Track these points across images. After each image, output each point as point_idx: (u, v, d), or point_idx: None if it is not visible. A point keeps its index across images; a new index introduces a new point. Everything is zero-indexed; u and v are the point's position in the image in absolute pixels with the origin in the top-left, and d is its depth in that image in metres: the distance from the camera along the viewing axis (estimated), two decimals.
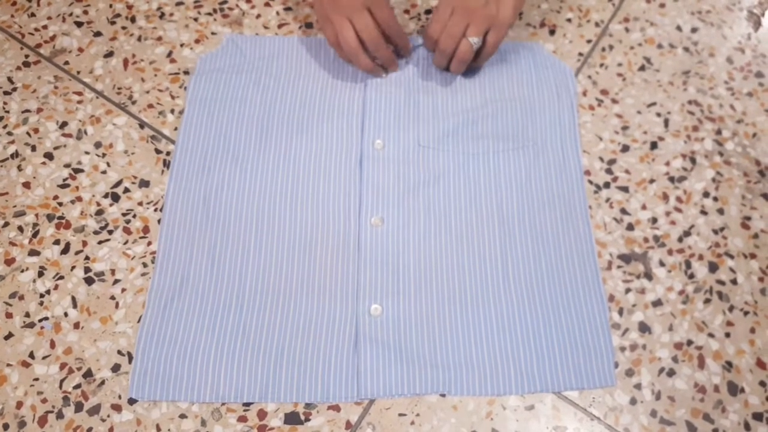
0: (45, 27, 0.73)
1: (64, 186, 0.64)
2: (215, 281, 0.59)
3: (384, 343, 0.56)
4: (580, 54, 0.72)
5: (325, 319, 0.57)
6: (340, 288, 0.59)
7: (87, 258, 0.60)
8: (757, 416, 0.55)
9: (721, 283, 0.60)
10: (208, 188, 0.63)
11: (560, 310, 0.58)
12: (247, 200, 0.62)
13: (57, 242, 0.61)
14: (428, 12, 0.75)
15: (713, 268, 0.61)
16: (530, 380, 0.55)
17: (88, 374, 0.55)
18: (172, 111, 0.68)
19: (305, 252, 0.60)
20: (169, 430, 0.53)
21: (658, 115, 0.69)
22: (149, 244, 0.61)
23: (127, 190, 0.64)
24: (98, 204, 0.63)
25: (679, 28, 0.74)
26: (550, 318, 0.58)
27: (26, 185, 0.64)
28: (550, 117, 0.67)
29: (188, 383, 0.55)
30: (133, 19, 0.74)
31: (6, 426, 0.53)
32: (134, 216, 0.62)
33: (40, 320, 0.57)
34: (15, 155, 0.65)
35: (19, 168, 0.64)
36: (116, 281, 0.59)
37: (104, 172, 0.64)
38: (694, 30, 0.74)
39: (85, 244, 0.61)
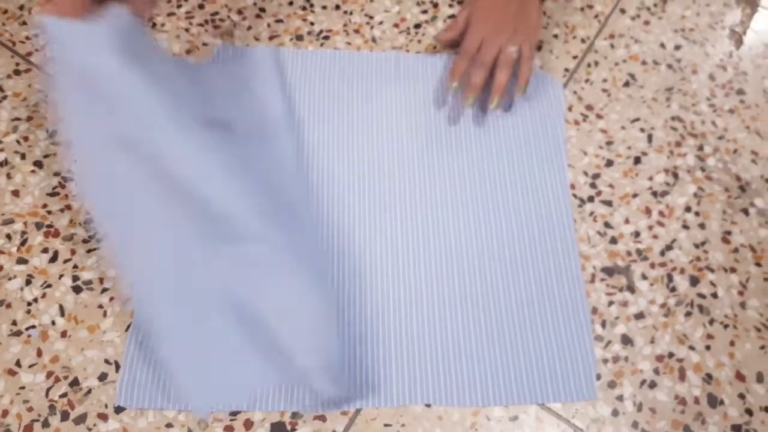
0: (36, 35, 0.73)
1: (53, 194, 0.64)
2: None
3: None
4: (566, 70, 0.74)
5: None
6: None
7: (75, 266, 0.60)
8: (736, 428, 0.56)
9: (702, 296, 0.62)
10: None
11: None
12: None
13: (45, 250, 0.61)
14: (417, 26, 0.76)
15: (694, 281, 0.62)
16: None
17: (75, 383, 0.56)
18: None
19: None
20: None
21: (642, 130, 0.70)
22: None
23: None
24: (87, 212, 0.63)
25: (662, 45, 0.76)
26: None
27: (15, 193, 0.64)
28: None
29: (173, 397, 0.55)
30: None
31: None
32: None
33: (27, 328, 0.58)
34: (4, 163, 0.65)
35: (8, 176, 0.65)
36: (104, 290, 0.59)
37: None
38: (677, 47, 0.76)
39: (73, 252, 0.61)
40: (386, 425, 0.55)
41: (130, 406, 0.54)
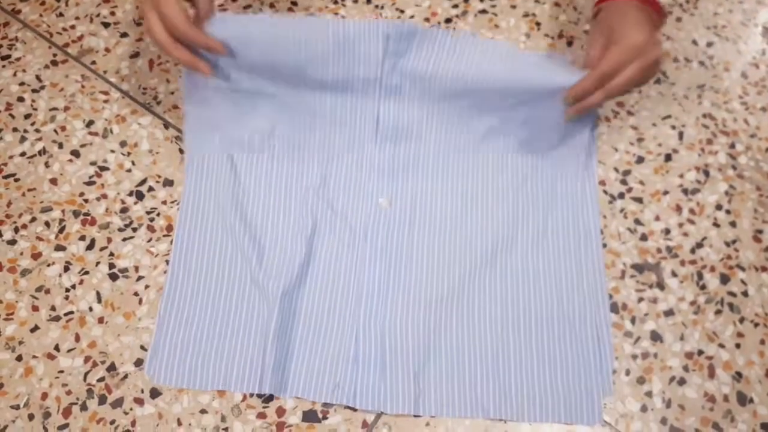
0: (73, 27, 0.74)
1: (89, 183, 0.65)
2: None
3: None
4: None
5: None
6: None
7: (111, 254, 0.62)
8: (766, 426, 0.56)
9: (733, 294, 0.61)
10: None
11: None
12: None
13: (82, 238, 0.62)
14: (449, 21, 0.76)
15: (725, 279, 0.62)
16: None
17: (112, 368, 0.57)
18: None
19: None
20: (190, 424, 0.55)
21: (673, 127, 0.70)
22: (173, 242, 0.62)
23: (151, 188, 0.65)
24: (123, 202, 0.64)
25: (694, 42, 0.76)
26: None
27: (53, 181, 0.65)
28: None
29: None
30: None
31: (31, 416, 0.55)
32: (158, 214, 0.64)
33: (65, 314, 0.59)
34: (42, 152, 0.67)
35: (47, 164, 0.66)
36: (140, 278, 0.61)
37: (129, 171, 0.66)
38: (709, 44, 0.76)
39: (109, 240, 0.62)
40: (416, 416, 0.56)
41: (159, 381, 0.56)
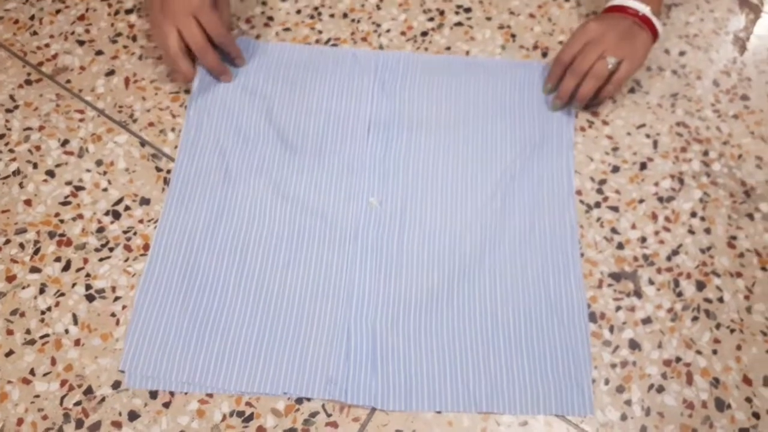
0: (47, 45, 0.74)
1: (65, 203, 0.65)
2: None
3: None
4: None
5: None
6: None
7: (88, 275, 0.61)
8: (744, 431, 0.57)
9: (709, 301, 0.62)
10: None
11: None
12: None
13: (58, 259, 0.62)
14: (424, 34, 0.77)
15: (701, 286, 0.63)
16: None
17: (89, 391, 0.56)
18: (173, 129, 0.69)
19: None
20: None
21: (647, 136, 0.71)
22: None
23: (128, 207, 0.65)
24: (99, 221, 0.64)
25: (667, 52, 0.77)
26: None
27: (27, 202, 0.64)
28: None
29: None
30: (134, 38, 0.75)
31: None
32: (135, 233, 0.63)
33: (41, 337, 0.58)
34: (17, 172, 0.66)
35: (21, 185, 0.65)
36: (117, 298, 0.60)
37: (105, 190, 0.65)
38: (681, 53, 0.77)
39: (86, 261, 0.62)
40: (397, 431, 0.55)
41: (134, 385, 0.56)
